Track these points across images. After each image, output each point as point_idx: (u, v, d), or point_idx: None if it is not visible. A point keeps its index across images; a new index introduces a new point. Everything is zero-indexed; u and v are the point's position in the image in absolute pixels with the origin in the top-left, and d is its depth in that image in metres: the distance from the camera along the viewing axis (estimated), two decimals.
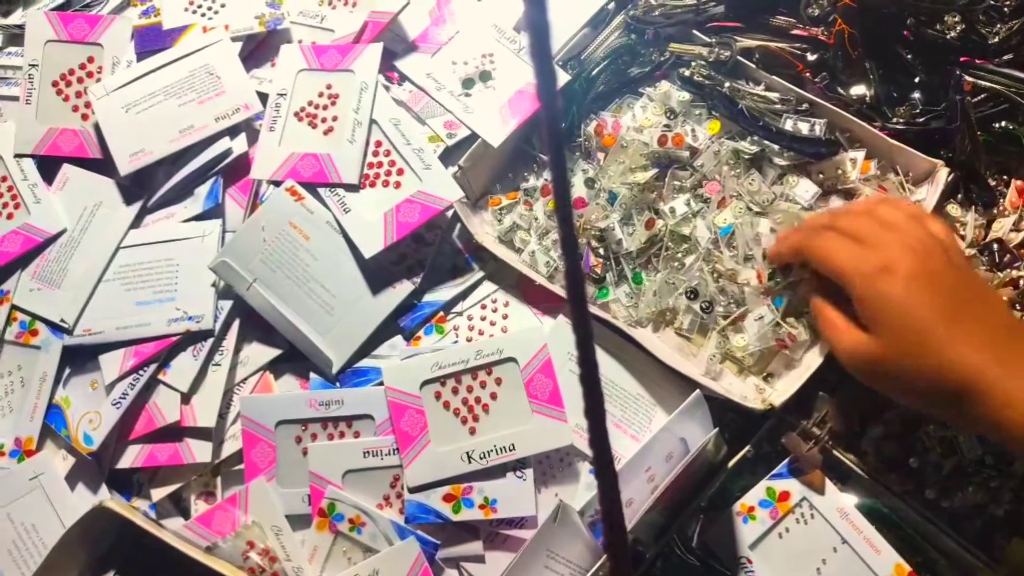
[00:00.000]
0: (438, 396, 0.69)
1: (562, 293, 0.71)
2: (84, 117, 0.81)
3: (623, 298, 0.72)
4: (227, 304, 0.74)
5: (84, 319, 0.75)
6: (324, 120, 0.76)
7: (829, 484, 0.66)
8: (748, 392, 0.68)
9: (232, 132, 0.78)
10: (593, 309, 0.70)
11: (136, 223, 0.78)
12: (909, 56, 0.74)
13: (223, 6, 0.83)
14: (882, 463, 0.66)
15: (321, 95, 0.77)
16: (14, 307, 0.77)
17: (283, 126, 0.77)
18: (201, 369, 0.73)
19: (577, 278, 0.31)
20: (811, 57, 0.75)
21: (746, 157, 0.73)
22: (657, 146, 0.72)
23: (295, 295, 0.73)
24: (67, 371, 0.75)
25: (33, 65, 0.82)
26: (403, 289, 0.73)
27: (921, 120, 0.72)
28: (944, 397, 0.53)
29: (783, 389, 0.66)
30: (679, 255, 0.72)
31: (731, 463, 0.67)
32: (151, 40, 0.82)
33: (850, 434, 0.67)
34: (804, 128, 0.72)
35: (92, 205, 0.78)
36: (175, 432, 0.72)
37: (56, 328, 0.75)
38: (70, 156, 0.80)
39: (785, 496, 0.66)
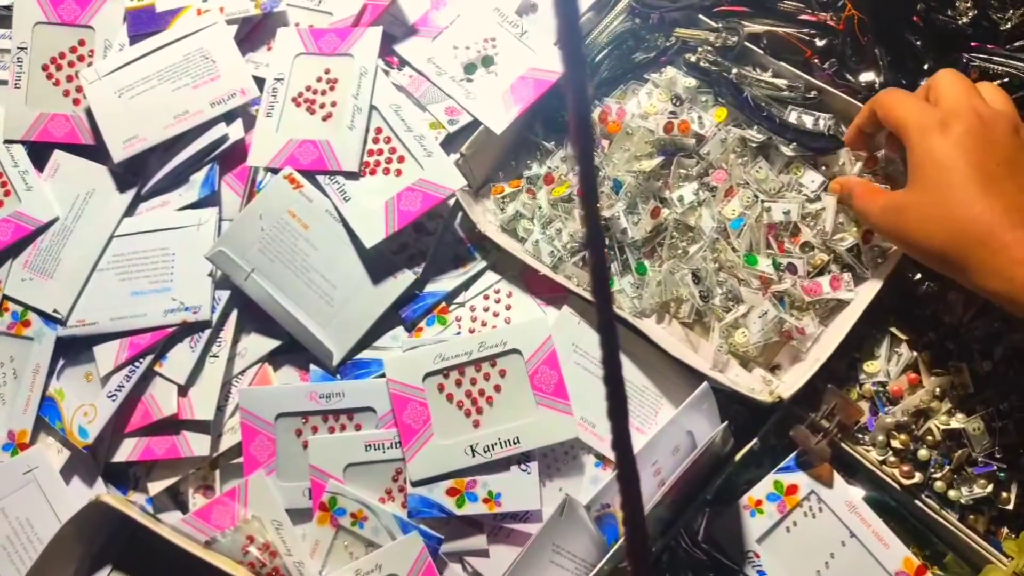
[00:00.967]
0: (441, 388, 0.68)
1: (566, 283, 0.70)
2: (76, 102, 0.79)
3: (628, 288, 0.71)
4: (224, 294, 0.73)
5: (78, 310, 0.73)
6: (323, 106, 0.75)
7: (837, 477, 0.66)
8: (755, 384, 0.67)
9: (228, 118, 0.76)
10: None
11: (130, 211, 0.76)
12: (919, 42, 0.72)
13: None
14: (890, 456, 0.65)
15: (319, 80, 0.75)
16: (6, 297, 0.75)
17: (280, 112, 0.75)
18: (198, 361, 0.71)
19: (602, 278, 0.29)
20: (819, 43, 0.74)
21: (753, 145, 0.71)
22: (663, 133, 0.71)
23: (294, 285, 0.71)
24: (61, 363, 0.74)
25: (22, 48, 0.80)
26: (404, 279, 0.72)
27: None
28: (960, 250, 0.54)
29: (791, 381, 0.66)
30: (683, 244, 0.71)
31: (738, 456, 0.66)
32: (144, 23, 0.79)
33: (858, 426, 0.66)
34: (808, 122, 0.71)
35: (85, 193, 0.77)
36: (172, 425, 0.71)
37: (49, 319, 0.74)
38: (62, 142, 0.78)
39: (793, 489, 0.66)
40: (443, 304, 0.73)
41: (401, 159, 0.73)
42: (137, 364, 0.71)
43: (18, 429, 0.72)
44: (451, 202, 0.73)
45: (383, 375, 0.69)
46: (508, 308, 0.72)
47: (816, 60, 0.74)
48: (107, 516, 0.67)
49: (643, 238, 0.71)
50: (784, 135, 0.70)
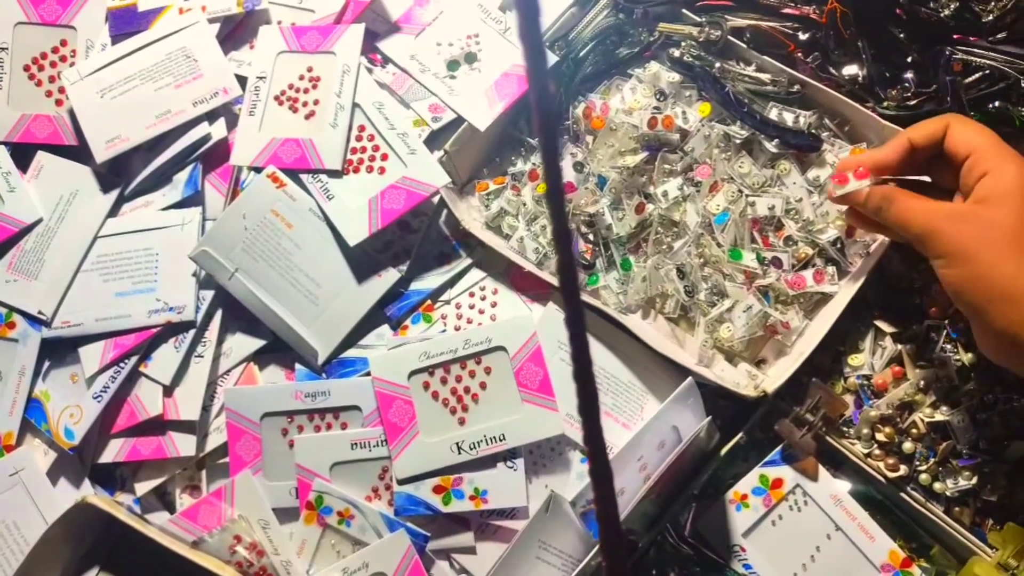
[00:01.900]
0: (426, 386, 0.68)
1: (552, 280, 0.70)
2: (58, 103, 0.79)
3: (613, 284, 0.71)
4: (209, 294, 0.72)
5: (62, 311, 0.73)
6: (305, 104, 0.74)
7: (822, 471, 0.66)
8: (740, 379, 0.67)
9: (211, 117, 0.76)
10: (583, 296, 0.69)
11: (114, 212, 0.76)
12: (902, 35, 0.72)
13: None
14: (875, 448, 0.65)
15: (302, 78, 0.75)
16: None
17: (263, 110, 0.75)
18: (183, 361, 0.71)
19: (570, 266, 0.29)
20: (803, 36, 0.74)
21: (737, 141, 0.71)
22: (647, 129, 0.71)
23: (278, 284, 0.71)
24: (46, 364, 0.74)
25: (3, 48, 0.79)
26: (389, 277, 0.72)
27: (913, 103, 0.71)
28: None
29: (776, 376, 0.66)
30: (668, 239, 0.71)
31: (723, 451, 0.66)
32: (126, 22, 0.79)
33: (843, 420, 0.66)
34: (789, 119, 0.71)
35: (68, 194, 0.76)
36: (158, 425, 0.71)
37: (34, 320, 0.73)
38: (44, 143, 0.78)
39: (778, 483, 0.66)
40: (428, 302, 0.73)
41: (384, 157, 0.72)
42: (122, 365, 0.71)
43: (4, 431, 0.72)
44: (435, 200, 0.73)
45: (368, 373, 0.69)
46: (494, 305, 0.72)
47: (799, 54, 0.74)
48: (94, 517, 0.67)
49: (628, 234, 0.71)
50: (765, 131, 0.70)
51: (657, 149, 0.72)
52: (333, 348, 0.71)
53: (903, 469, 0.64)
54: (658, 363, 0.68)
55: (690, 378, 0.65)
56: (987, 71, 0.70)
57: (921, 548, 0.65)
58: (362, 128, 0.73)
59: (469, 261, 0.73)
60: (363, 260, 0.72)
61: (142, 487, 0.71)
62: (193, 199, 0.75)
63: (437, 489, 0.66)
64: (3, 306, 0.74)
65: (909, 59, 0.72)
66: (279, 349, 0.72)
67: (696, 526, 0.66)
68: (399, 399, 0.68)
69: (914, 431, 0.65)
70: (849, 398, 0.67)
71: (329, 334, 0.71)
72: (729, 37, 0.73)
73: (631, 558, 0.65)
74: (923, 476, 0.64)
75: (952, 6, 0.70)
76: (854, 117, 0.71)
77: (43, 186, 0.77)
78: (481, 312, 0.72)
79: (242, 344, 0.72)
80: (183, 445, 0.70)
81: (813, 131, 0.70)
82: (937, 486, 0.64)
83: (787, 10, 0.74)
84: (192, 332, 0.71)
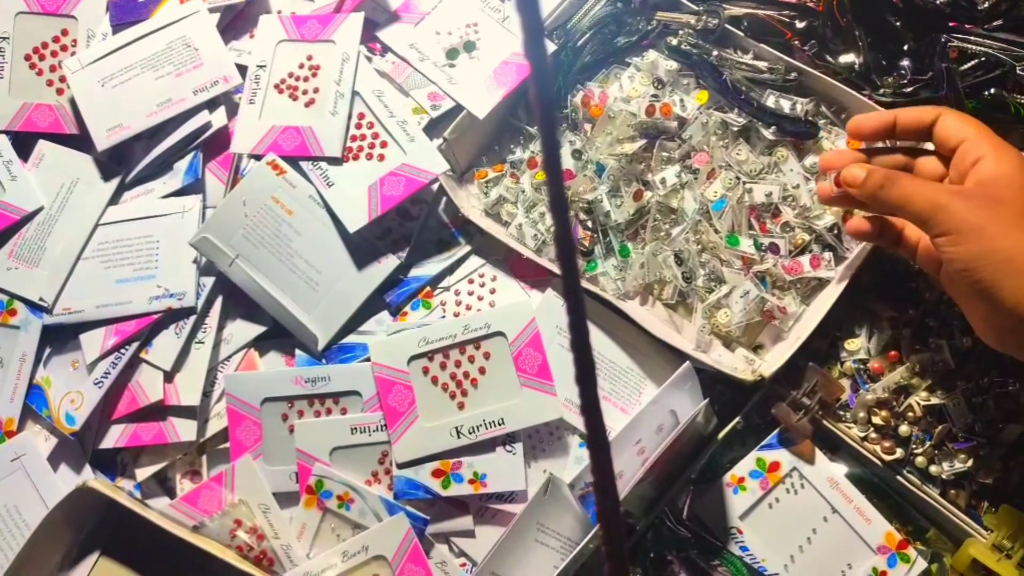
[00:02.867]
0: (426, 371, 0.68)
1: (550, 266, 0.70)
2: (59, 92, 0.79)
3: (611, 271, 0.71)
4: (209, 281, 0.73)
5: (63, 298, 0.74)
6: (305, 92, 0.75)
7: (819, 454, 0.66)
8: (738, 363, 0.67)
9: (211, 105, 0.76)
10: (582, 282, 0.70)
11: (114, 199, 0.76)
12: (898, 23, 0.73)
13: None
14: (872, 432, 0.66)
15: (302, 66, 0.76)
16: None
17: (263, 99, 0.75)
18: (184, 347, 0.72)
19: (567, 244, 0.30)
20: (800, 24, 0.74)
21: (735, 128, 0.72)
22: (645, 116, 0.72)
23: (279, 271, 0.72)
24: (47, 351, 0.74)
25: (4, 38, 0.80)
26: (389, 264, 0.72)
27: (909, 90, 0.72)
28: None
29: (772, 360, 0.66)
30: (666, 226, 0.71)
31: (721, 435, 0.67)
32: (126, 12, 0.79)
33: (839, 403, 0.67)
34: (786, 106, 0.71)
35: (69, 182, 0.77)
36: (159, 411, 0.71)
37: (35, 307, 0.74)
38: (45, 132, 0.78)
39: (775, 466, 0.66)
40: (427, 288, 0.73)
41: (384, 144, 0.73)
42: (123, 351, 0.71)
43: (5, 417, 0.72)
44: (435, 187, 0.74)
45: (368, 359, 0.69)
46: (492, 292, 0.73)
47: (796, 42, 0.74)
48: (95, 501, 0.67)
49: (626, 220, 0.71)
50: (763, 119, 0.71)
51: (655, 137, 0.72)
52: (333, 334, 0.71)
53: (899, 452, 0.65)
54: (656, 348, 0.69)
55: (688, 363, 0.66)
56: (983, 58, 0.70)
57: (917, 530, 0.66)
58: (361, 116, 0.74)
59: (468, 248, 0.74)
60: (363, 247, 0.72)
61: (143, 472, 0.72)
62: (194, 187, 0.75)
63: (436, 473, 0.67)
64: (4, 293, 0.75)
65: (905, 47, 0.72)
66: (279, 335, 0.73)
67: (694, 509, 0.66)
68: (399, 384, 0.68)
69: (910, 415, 0.65)
70: (845, 382, 0.67)
71: (329, 320, 0.71)
72: (726, 25, 0.74)
73: (629, 541, 0.65)
74: (919, 459, 0.65)
75: None
76: (851, 104, 0.71)
77: (44, 174, 0.77)
78: (480, 298, 0.72)
79: (242, 330, 0.73)
80: (184, 430, 0.70)
81: (810, 118, 0.71)
82: (933, 469, 0.64)
83: None
84: (193, 318, 0.72)
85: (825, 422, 0.66)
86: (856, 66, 0.73)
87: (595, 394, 0.33)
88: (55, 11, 0.80)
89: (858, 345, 0.67)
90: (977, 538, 0.63)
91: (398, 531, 0.66)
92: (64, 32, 0.80)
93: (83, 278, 0.74)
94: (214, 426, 0.71)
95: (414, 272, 0.73)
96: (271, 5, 0.80)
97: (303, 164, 0.73)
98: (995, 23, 0.71)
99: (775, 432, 0.67)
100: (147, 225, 0.74)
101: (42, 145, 0.78)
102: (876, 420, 0.66)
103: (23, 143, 0.78)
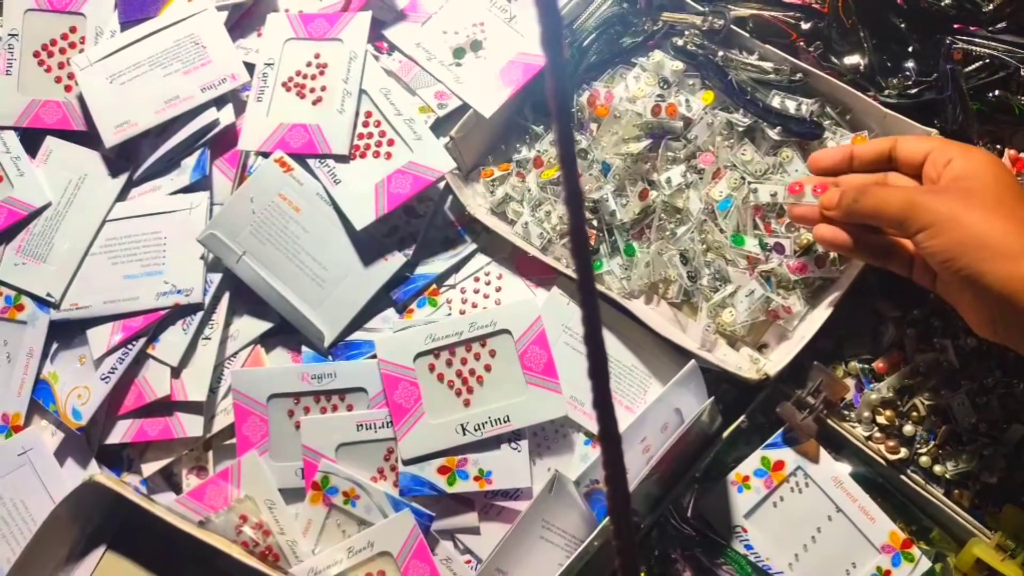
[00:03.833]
0: (432, 368, 0.69)
1: (556, 265, 0.70)
2: (67, 88, 0.80)
3: (616, 270, 0.72)
4: (216, 277, 0.73)
5: (71, 293, 0.74)
6: (312, 90, 0.75)
7: (823, 453, 0.66)
8: (742, 363, 0.67)
9: (219, 103, 0.76)
10: None
11: (122, 196, 0.77)
12: (903, 25, 0.73)
13: None
14: (876, 431, 0.66)
15: (309, 65, 0.76)
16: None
17: (271, 96, 0.75)
18: (191, 343, 0.72)
19: (580, 232, 0.30)
20: (805, 26, 0.75)
21: (740, 129, 0.72)
22: (650, 116, 0.72)
23: (286, 268, 0.72)
24: (55, 346, 0.74)
25: (13, 35, 0.80)
26: (395, 261, 0.72)
27: (913, 92, 0.72)
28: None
29: (777, 359, 0.66)
30: (671, 226, 0.72)
31: (726, 433, 0.67)
32: (135, 9, 0.80)
33: (844, 403, 0.67)
34: (791, 106, 0.71)
35: (77, 178, 0.77)
36: (165, 407, 0.71)
37: (43, 303, 0.74)
38: (54, 128, 0.78)
39: (779, 465, 0.66)
40: (434, 286, 0.73)
41: (391, 142, 0.73)
42: (130, 347, 0.72)
43: (12, 412, 0.73)
44: (441, 185, 0.74)
45: (374, 356, 0.69)
46: (498, 290, 0.73)
47: (802, 43, 0.74)
48: (101, 496, 0.67)
49: (631, 220, 0.72)
50: (768, 119, 0.71)
51: (660, 137, 0.73)
52: (339, 331, 0.71)
53: (903, 452, 0.65)
54: (661, 347, 0.69)
55: (693, 361, 0.66)
56: (987, 60, 0.70)
57: (921, 530, 0.66)
58: (368, 114, 0.74)
59: (474, 246, 0.74)
60: (369, 244, 0.72)
61: (149, 468, 0.72)
62: (201, 184, 0.75)
63: (442, 470, 0.67)
64: (12, 289, 0.75)
65: (910, 48, 0.73)
66: (286, 332, 0.73)
67: (698, 507, 0.67)
68: (405, 381, 0.68)
69: (914, 414, 0.65)
70: (850, 381, 0.68)
71: (335, 317, 0.72)
72: (732, 26, 0.74)
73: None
74: (923, 459, 0.65)
75: None
76: (855, 105, 0.71)
77: (52, 171, 0.78)
78: (486, 296, 0.73)
79: (249, 326, 0.73)
80: (190, 426, 0.71)
81: (815, 119, 0.71)
82: (937, 469, 0.65)
83: (789, 0, 0.75)
84: (200, 314, 0.72)
85: (830, 421, 0.66)
86: (861, 67, 0.73)
87: (607, 388, 0.33)
88: (64, 8, 0.80)
89: (863, 345, 0.67)
90: (981, 538, 0.63)
91: (403, 527, 0.66)
92: (73, 29, 0.81)
93: (90, 274, 0.74)
94: (220, 422, 0.71)
95: (420, 270, 0.73)
96: (279, 3, 0.80)
97: (310, 162, 0.73)
98: (1000, 25, 0.72)
99: (780, 431, 0.67)
100: (155, 221, 0.75)
101: (50, 141, 0.78)
102: (880, 420, 0.66)
103: (31, 139, 0.79)
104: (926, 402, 0.65)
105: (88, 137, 0.78)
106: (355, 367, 0.70)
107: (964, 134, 0.70)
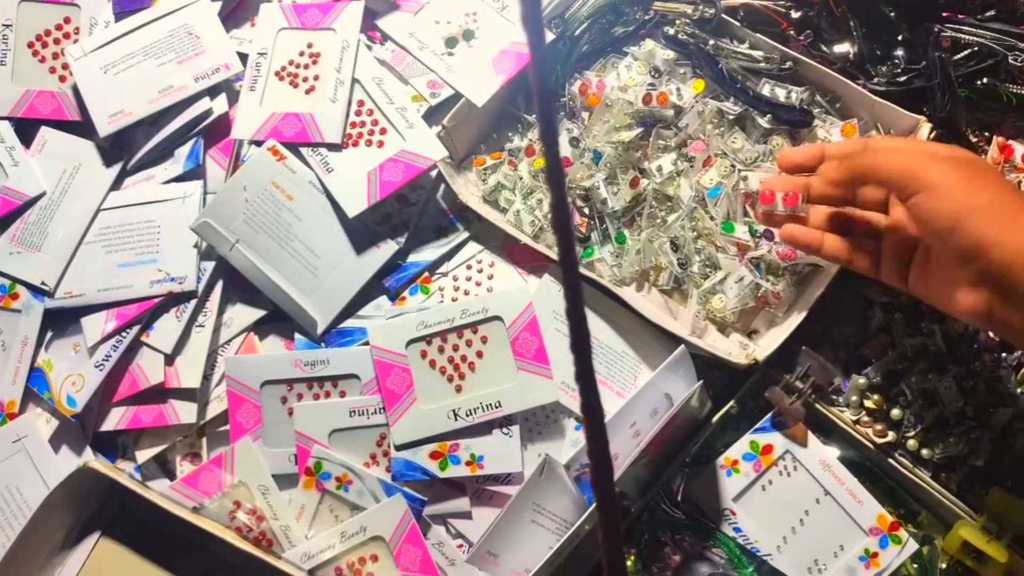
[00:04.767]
0: (424, 355, 0.69)
1: (547, 252, 0.71)
2: (62, 79, 0.80)
3: (608, 257, 0.72)
4: (210, 265, 0.74)
5: (65, 282, 0.74)
6: (305, 79, 0.76)
7: (812, 437, 0.67)
8: (732, 348, 0.68)
9: (212, 92, 0.77)
10: (579, 269, 0.70)
11: (116, 185, 0.77)
12: (892, 13, 0.74)
13: None
14: (864, 415, 0.66)
15: (302, 54, 0.76)
16: None
17: (264, 86, 0.76)
18: (184, 330, 0.72)
19: (564, 217, 0.30)
20: (795, 15, 0.75)
21: (730, 117, 0.73)
22: (642, 105, 0.72)
23: (278, 255, 0.72)
24: (49, 334, 0.74)
25: (7, 26, 0.80)
26: (387, 249, 0.73)
27: (902, 80, 0.72)
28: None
29: (766, 345, 0.67)
30: (662, 214, 0.72)
31: (715, 418, 0.68)
32: (129, 0, 0.80)
33: (832, 387, 0.68)
34: (781, 94, 0.72)
35: (71, 167, 0.77)
36: (159, 394, 0.72)
37: (37, 291, 0.74)
38: (48, 118, 0.79)
39: (768, 449, 0.67)
40: (426, 274, 0.74)
41: (383, 131, 0.74)
42: (124, 334, 0.72)
43: (7, 399, 0.73)
44: (434, 174, 0.74)
45: (367, 343, 0.70)
46: (490, 277, 0.73)
47: (792, 32, 0.75)
48: (96, 482, 0.68)
49: (623, 208, 0.72)
50: (758, 107, 0.72)
51: (652, 125, 0.73)
52: (332, 318, 0.72)
53: (891, 435, 0.66)
54: (652, 334, 0.69)
55: (683, 346, 0.66)
56: (976, 48, 0.71)
57: (909, 513, 0.67)
58: (361, 103, 0.75)
59: (466, 234, 0.74)
60: (362, 232, 0.73)
61: (143, 455, 0.72)
62: (194, 173, 0.76)
63: (434, 455, 0.68)
64: (6, 277, 0.75)
65: (899, 37, 0.74)
66: (279, 319, 0.73)
67: (688, 491, 0.67)
68: (397, 367, 0.69)
69: (902, 398, 0.66)
70: (838, 366, 0.68)
71: (328, 304, 0.72)
72: (723, 15, 0.75)
73: (624, 522, 0.66)
74: (911, 442, 0.65)
75: None
76: (845, 93, 0.72)
77: (46, 160, 0.78)
78: (478, 284, 0.73)
79: (242, 314, 0.74)
80: (184, 413, 0.71)
81: (805, 107, 0.71)
82: (924, 452, 0.65)
83: None
84: (193, 302, 0.72)
85: (818, 405, 0.67)
86: (851, 55, 0.74)
87: (589, 361, 0.34)
88: None
89: (851, 330, 0.68)
90: (968, 520, 0.63)
91: (396, 512, 0.67)
92: (67, 20, 0.81)
93: (85, 262, 0.75)
94: (214, 409, 0.72)
95: (413, 258, 0.74)
96: None
97: (303, 150, 0.73)
98: (988, 13, 0.72)
99: (768, 415, 0.68)
100: (148, 210, 0.75)
101: (44, 131, 0.79)
102: (868, 404, 0.67)
103: (26, 129, 0.79)
104: (914, 386, 0.65)
105: (82, 127, 0.78)
106: (348, 354, 0.70)
107: (952, 121, 0.71)
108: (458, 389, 0.68)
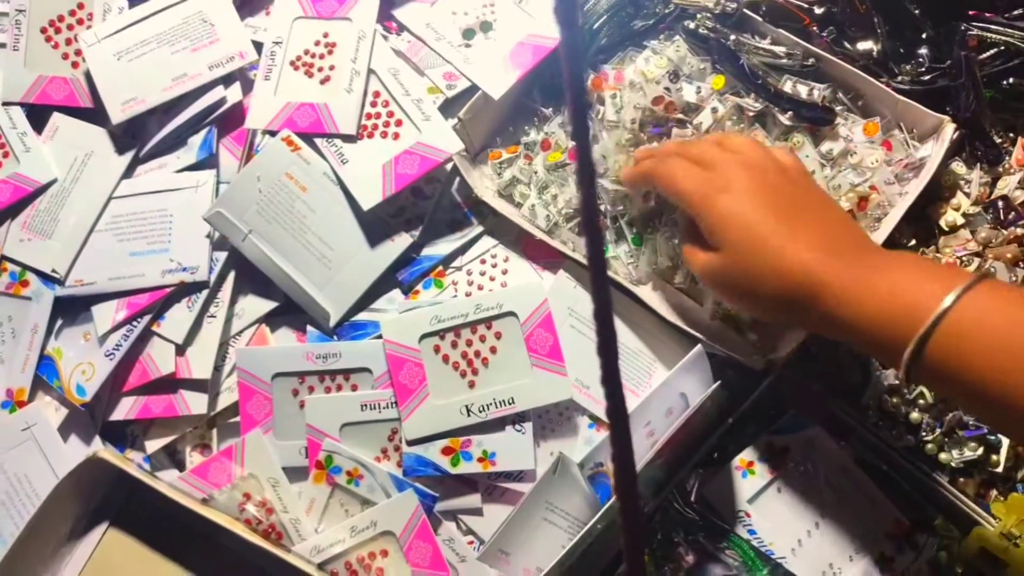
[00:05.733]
0: (437, 349, 0.69)
1: (562, 248, 0.70)
2: (74, 65, 0.79)
3: (623, 255, 0.71)
4: (222, 255, 0.73)
5: (76, 270, 0.74)
6: (321, 69, 0.75)
7: (829, 439, 0.66)
8: (748, 349, 0.67)
9: (226, 81, 0.76)
10: None
11: (128, 173, 0.76)
12: (917, 10, 0.72)
13: None
14: (881, 418, 0.66)
15: (318, 44, 0.75)
16: (4, 257, 0.75)
17: (279, 75, 0.75)
18: (196, 321, 0.72)
19: (591, 206, 0.30)
20: (818, 11, 0.74)
21: (751, 113, 0.71)
22: (652, 105, 0.71)
23: (292, 247, 0.72)
24: (59, 322, 0.74)
25: (20, 11, 0.79)
26: (401, 242, 0.72)
27: (927, 78, 0.71)
28: (787, 300, 0.53)
29: (783, 346, 0.66)
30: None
31: (731, 419, 0.67)
32: None
33: (850, 389, 0.67)
34: (803, 92, 0.71)
35: (83, 155, 0.77)
36: (170, 384, 0.71)
37: (47, 279, 0.74)
38: (60, 105, 0.78)
39: (784, 451, 0.66)
40: (440, 268, 0.73)
41: (399, 123, 0.73)
42: (135, 324, 0.71)
43: (16, 387, 0.73)
44: (449, 167, 0.73)
45: (379, 336, 0.69)
46: (504, 272, 0.73)
47: (814, 28, 0.74)
48: (104, 472, 0.67)
49: (640, 213, 0.71)
50: (779, 104, 0.71)
51: (662, 126, 0.72)
52: (345, 311, 0.71)
53: (909, 439, 0.65)
54: (667, 332, 0.69)
55: (699, 346, 0.66)
56: (1002, 47, 0.70)
57: (925, 518, 0.66)
58: (377, 94, 0.74)
59: (481, 228, 0.74)
60: (376, 225, 0.72)
61: (152, 445, 0.72)
62: (207, 162, 0.75)
63: (446, 451, 0.67)
64: (17, 264, 0.75)
65: (924, 35, 0.72)
66: (291, 311, 0.73)
67: (702, 492, 0.66)
68: (410, 362, 0.68)
69: (921, 401, 0.65)
70: (857, 369, 0.67)
71: (341, 297, 0.71)
72: (745, 10, 0.73)
73: None
74: (929, 446, 0.65)
75: None
76: (868, 91, 0.71)
77: (58, 147, 0.77)
78: (492, 279, 0.72)
79: (254, 305, 0.73)
80: (194, 403, 0.71)
81: (827, 104, 0.70)
82: (943, 456, 0.64)
83: None
84: (205, 292, 0.72)
85: (836, 408, 0.66)
86: (874, 53, 0.73)
87: (615, 365, 0.33)
88: None
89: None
90: (985, 526, 0.63)
91: (407, 507, 0.66)
92: (80, 6, 0.80)
93: (96, 250, 0.74)
94: (224, 400, 0.71)
95: (427, 251, 0.73)
96: None
97: (317, 141, 0.73)
98: (1016, 12, 0.71)
99: (785, 417, 0.67)
100: (161, 199, 0.74)
101: (56, 118, 0.78)
102: (887, 407, 0.66)
103: (38, 115, 0.78)
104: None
105: (95, 114, 0.78)
106: (360, 347, 0.69)
107: (977, 122, 0.70)
108: (471, 385, 0.68)
